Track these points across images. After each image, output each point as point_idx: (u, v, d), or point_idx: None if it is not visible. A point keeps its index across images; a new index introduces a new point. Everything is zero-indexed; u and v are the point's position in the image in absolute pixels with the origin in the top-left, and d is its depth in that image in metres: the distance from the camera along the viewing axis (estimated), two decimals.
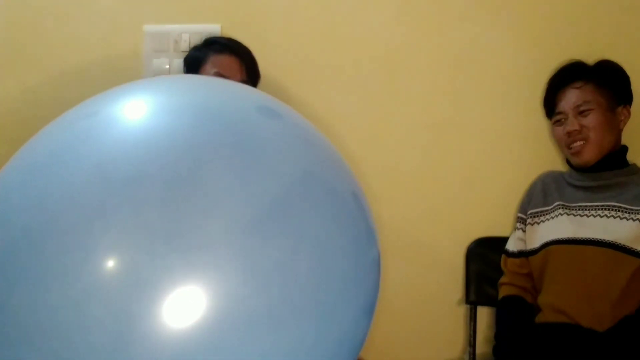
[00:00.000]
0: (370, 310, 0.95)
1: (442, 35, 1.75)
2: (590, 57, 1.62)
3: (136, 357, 0.72)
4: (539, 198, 1.61)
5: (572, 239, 1.48)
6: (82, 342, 0.72)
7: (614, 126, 1.54)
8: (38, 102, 1.91)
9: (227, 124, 0.87)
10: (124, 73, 1.85)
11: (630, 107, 1.57)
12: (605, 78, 1.55)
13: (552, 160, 1.71)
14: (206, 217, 0.76)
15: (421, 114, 1.76)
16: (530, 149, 1.72)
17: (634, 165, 1.56)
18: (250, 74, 1.62)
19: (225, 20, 1.80)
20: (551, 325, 1.46)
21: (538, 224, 1.58)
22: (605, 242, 1.43)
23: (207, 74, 1.56)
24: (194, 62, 1.61)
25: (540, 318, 1.51)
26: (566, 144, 1.56)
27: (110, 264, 0.73)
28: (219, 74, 1.55)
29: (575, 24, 1.71)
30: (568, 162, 1.62)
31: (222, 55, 1.60)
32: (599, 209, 1.49)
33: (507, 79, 1.73)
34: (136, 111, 0.88)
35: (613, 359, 1.33)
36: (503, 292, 1.60)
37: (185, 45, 1.78)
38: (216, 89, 0.99)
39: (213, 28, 1.79)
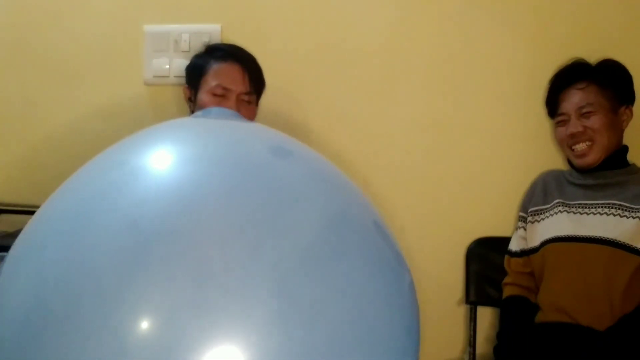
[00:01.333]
0: (413, 332, 0.94)
1: (442, 35, 1.75)
2: (592, 56, 1.62)
3: None
4: (540, 196, 1.61)
5: (572, 237, 1.48)
6: None
7: (617, 127, 1.54)
8: (38, 102, 1.91)
9: (247, 173, 0.87)
10: (124, 73, 1.86)
11: (632, 106, 1.57)
12: (608, 78, 1.54)
13: (553, 160, 1.70)
14: (238, 275, 0.75)
15: (421, 114, 1.76)
16: (531, 148, 1.72)
17: (634, 165, 1.56)
18: (254, 83, 1.56)
19: (225, 20, 1.80)
20: (551, 324, 1.46)
21: (538, 222, 1.58)
22: (606, 239, 1.43)
23: (209, 85, 1.50)
24: (196, 70, 1.56)
25: (539, 317, 1.51)
26: (569, 145, 1.56)
27: (145, 322, 0.71)
28: (220, 87, 1.50)
29: (576, 23, 1.70)
30: (569, 162, 1.61)
31: (224, 64, 1.54)
32: (599, 207, 1.49)
33: (508, 79, 1.73)
34: (162, 162, 0.88)
35: (613, 358, 1.32)
36: (507, 292, 1.60)
37: (185, 45, 1.78)
38: (228, 136, 0.99)
39: (213, 28, 1.79)
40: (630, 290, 1.38)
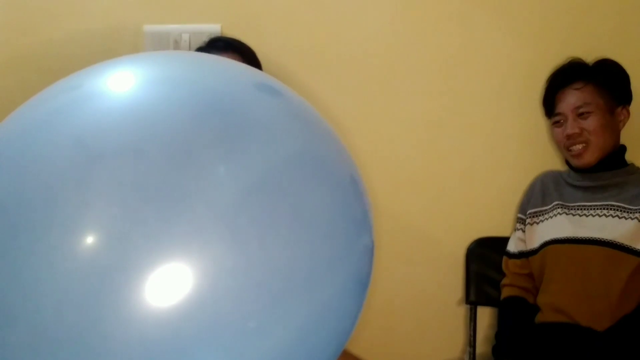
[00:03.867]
0: (358, 295, 0.92)
1: (441, 35, 1.75)
2: (589, 55, 1.62)
3: (120, 337, 0.70)
4: (538, 198, 1.61)
5: (571, 239, 1.48)
6: (59, 324, 0.70)
7: (614, 128, 1.54)
8: None
9: (220, 99, 0.83)
10: None
11: (629, 107, 1.57)
12: (605, 79, 1.54)
13: (553, 160, 1.71)
14: (190, 193, 0.73)
15: (421, 114, 1.76)
16: (530, 148, 1.72)
17: (632, 165, 1.56)
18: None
19: (225, 20, 1.80)
20: (550, 325, 1.46)
21: (537, 223, 1.58)
22: (604, 241, 1.43)
23: None
24: None
25: (539, 318, 1.51)
26: (566, 146, 1.56)
27: (90, 241, 0.70)
28: None
29: (574, 23, 1.70)
30: (567, 162, 1.61)
31: (224, 54, 1.58)
32: (597, 209, 1.49)
33: (508, 78, 1.73)
34: (123, 84, 0.84)
35: (612, 358, 1.32)
36: (505, 293, 1.60)
37: (185, 45, 1.78)
38: (214, 64, 0.95)
39: (213, 28, 1.78)
40: (629, 291, 1.39)
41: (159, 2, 1.84)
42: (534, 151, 1.72)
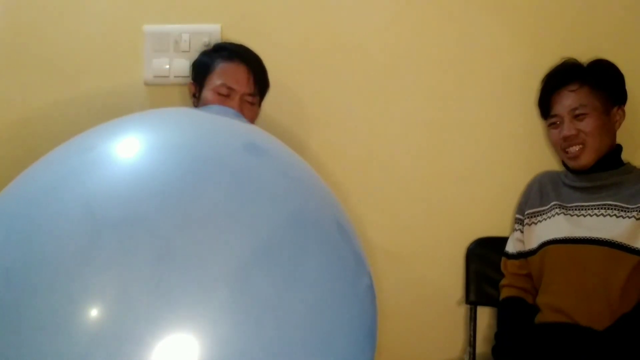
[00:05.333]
0: (370, 334, 0.94)
1: (439, 36, 1.75)
2: (586, 56, 1.62)
3: None
4: (536, 198, 1.61)
5: (569, 239, 1.48)
6: None
7: (610, 128, 1.53)
8: (38, 102, 1.91)
9: (215, 165, 0.86)
10: (124, 73, 1.86)
11: (624, 107, 1.56)
12: (600, 80, 1.54)
13: (552, 160, 1.71)
14: (194, 265, 0.74)
15: (420, 114, 1.77)
16: (530, 148, 1.73)
17: (629, 164, 1.56)
18: (258, 84, 1.57)
19: (225, 20, 1.80)
20: (550, 325, 1.46)
21: (535, 224, 1.58)
22: (603, 240, 1.43)
23: (214, 84, 1.52)
24: (202, 68, 1.57)
25: (539, 318, 1.51)
26: (562, 147, 1.56)
27: (95, 312, 0.70)
28: (225, 86, 1.51)
29: (572, 24, 1.71)
30: (564, 163, 1.61)
31: (230, 64, 1.55)
32: (595, 208, 1.49)
33: (506, 79, 1.73)
34: (130, 149, 0.87)
35: (612, 357, 1.32)
36: (504, 294, 1.60)
37: (185, 45, 1.78)
38: (208, 127, 0.98)
39: (213, 28, 1.79)
40: (628, 290, 1.39)
41: (159, 2, 1.84)
42: (534, 151, 1.72)
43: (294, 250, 0.83)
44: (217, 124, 1.03)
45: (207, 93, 1.53)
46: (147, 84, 1.84)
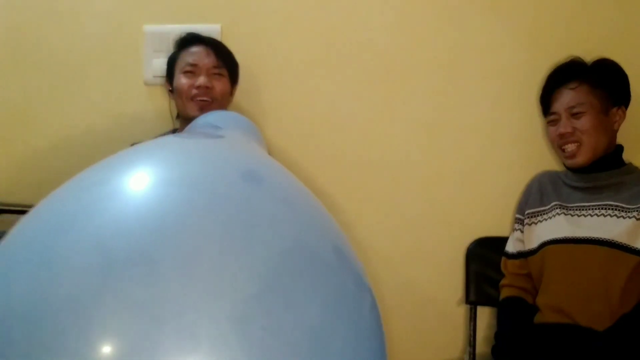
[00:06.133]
0: (380, 352, 0.94)
1: (439, 36, 1.75)
2: (588, 56, 1.61)
3: None
4: (536, 198, 1.61)
5: (570, 239, 1.48)
6: None
7: (607, 128, 1.53)
8: (38, 102, 1.91)
9: (214, 198, 0.88)
10: (124, 73, 1.86)
11: (626, 107, 1.56)
12: (601, 79, 1.53)
13: (552, 160, 1.71)
14: (194, 305, 0.76)
15: (421, 114, 1.76)
16: (530, 148, 1.73)
17: (630, 164, 1.56)
18: (221, 57, 1.65)
19: (225, 20, 1.80)
20: (550, 325, 1.46)
21: (535, 224, 1.58)
22: (603, 240, 1.43)
23: (182, 69, 1.62)
24: (169, 65, 1.69)
25: (539, 318, 1.51)
26: (559, 145, 1.57)
27: (108, 350, 0.71)
28: (189, 64, 1.62)
29: (573, 24, 1.70)
30: (564, 163, 1.61)
31: (189, 48, 1.66)
32: (595, 209, 1.49)
33: (506, 79, 1.73)
34: (139, 184, 0.90)
35: (612, 358, 1.32)
36: (504, 293, 1.60)
37: None
38: (206, 158, 1.01)
39: (213, 28, 1.79)
40: (628, 290, 1.39)
41: (159, 2, 1.84)
42: (534, 151, 1.72)
43: (293, 282, 0.84)
44: (217, 153, 1.06)
45: (177, 80, 1.63)
46: (147, 84, 1.84)
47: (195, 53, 1.64)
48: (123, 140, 1.75)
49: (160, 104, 1.81)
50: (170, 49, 1.72)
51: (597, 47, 1.65)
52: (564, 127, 1.53)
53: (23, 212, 2.06)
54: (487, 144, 1.75)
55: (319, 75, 1.79)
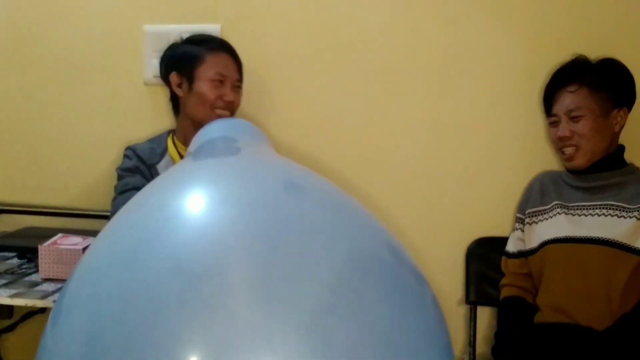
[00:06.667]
0: (447, 345, 0.96)
1: (440, 36, 1.75)
2: (593, 54, 1.59)
3: None
4: (537, 198, 1.61)
5: (570, 238, 1.48)
6: None
7: (607, 131, 1.52)
8: (38, 102, 1.91)
9: (271, 211, 0.92)
10: (124, 73, 1.86)
11: (629, 108, 1.54)
12: (603, 80, 1.52)
13: (552, 160, 1.70)
14: (267, 319, 0.78)
15: (421, 114, 1.76)
16: (530, 148, 1.72)
17: (632, 164, 1.56)
18: (241, 71, 1.68)
19: (225, 20, 1.80)
20: (550, 325, 1.46)
21: (536, 223, 1.58)
22: (604, 240, 1.43)
23: (208, 75, 1.59)
24: (190, 60, 1.62)
25: (539, 318, 1.51)
26: (558, 147, 1.57)
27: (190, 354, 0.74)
28: (220, 74, 1.60)
29: (574, 23, 1.70)
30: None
31: (219, 54, 1.63)
32: (596, 208, 1.49)
33: (507, 79, 1.73)
34: (198, 205, 0.95)
35: (612, 357, 1.32)
36: (504, 293, 1.60)
37: None
38: (247, 175, 1.06)
39: (213, 28, 1.79)
40: (629, 290, 1.39)
41: (159, 2, 1.84)
42: (535, 151, 1.72)
43: (359, 285, 0.85)
44: (256, 170, 1.11)
45: (201, 84, 1.60)
46: (147, 84, 1.84)
47: (224, 62, 1.63)
48: (123, 140, 1.75)
49: (160, 104, 1.81)
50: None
51: (599, 47, 1.63)
52: (563, 130, 1.53)
53: (23, 212, 2.07)
54: (487, 144, 1.75)
55: (319, 75, 1.79)
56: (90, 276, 0.90)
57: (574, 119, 1.52)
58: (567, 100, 1.53)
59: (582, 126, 1.50)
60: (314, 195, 1.03)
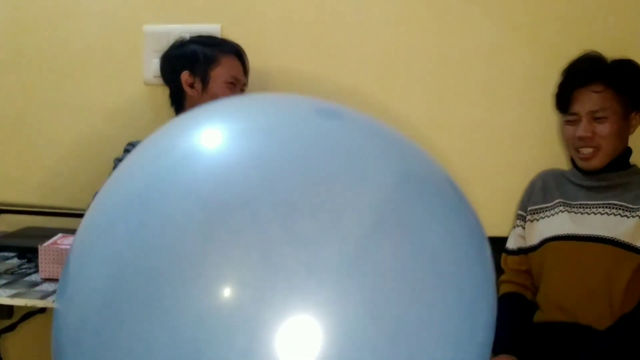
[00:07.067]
0: (493, 301, 0.92)
1: (440, 35, 1.75)
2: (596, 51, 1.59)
3: None
4: (539, 195, 1.61)
5: (573, 236, 1.48)
6: None
7: (625, 134, 1.51)
8: (38, 102, 1.91)
9: (302, 136, 0.84)
10: (124, 73, 1.86)
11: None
12: (626, 84, 1.49)
13: (553, 160, 1.70)
14: (312, 241, 0.73)
15: (421, 113, 1.76)
16: (530, 148, 1.72)
17: (635, 166, 1.56)
18: (247, 77, 1.70)
19: (225, 20, 1.80)
20: (550, 323, 1.46)
21: (537, 220, 1.58)
22: (606, 239, 1.43)
23: (223, 77, 1.61)
24: (206, 60, 1.62)
25: (539, 316, 1.51)
26: (575, 146, 1.53)
27: (220, 294, 0.71)
28: (234, 78, 1.63)
29: (573, 21, 1.69)
30: (572, 161, 1.59)
31: (234, 58, 1.65)
32: (599, 207, 1.49)
33: (507, 78, 1.73)
34: (215, 139, 0.86)
35: (612, 357, 1.32)
36: (503, 289, 1.60)
37: None
38: (277, 107, 0.96)
39: (213, 28, 1.79)
40: (630, 289, 1.39)
41: (159, 2, 1.84)
42: (536, 151, 1.72)
43: (409, 211, 0.79)
44: (281, 100, 1.01)
45: (217, 85, 1.62)
46: (147, 84, 1.84)
47: (237, 66, 1.65)
48: (123, 140, 1.75)
49: (160, 104, 1.81)
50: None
51: (600, 46, 1.63)
52: (585, 130, 1.48)
53: (23, 212, 2.06)
54: (487, 144, 1.74)
55: (319, 75, 1.79)
56: (104, 224, 0.85)
57: (597, 119, 1.48)
58: (592, 100, 1.49)
59: (605, 128, 1.47)
60: (356, 123, 0.94)
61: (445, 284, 0.79)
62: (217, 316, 0.70)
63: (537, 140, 1.72)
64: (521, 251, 1.60)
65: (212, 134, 0.87)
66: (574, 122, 1.52)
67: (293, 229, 0.73)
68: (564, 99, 1.55)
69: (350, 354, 0.71)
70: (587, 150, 1.50)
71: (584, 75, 1.53)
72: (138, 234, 0.78)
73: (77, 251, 0.88)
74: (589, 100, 1.49)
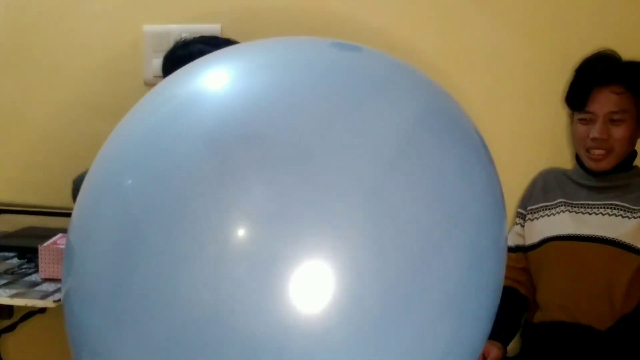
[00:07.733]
0: (503, 253, 0.90)
1: (441, 34, 1.75)
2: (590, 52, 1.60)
3: (264, 336, 0.68)
4: (540, 194, 1.60)
5: (573, 236, 1.48)
6: (205, 320, 0.68)
7: (637, 138, 1.50)
8: (38, 102, 1.91)
9: (320, 68, 0.80)
10: (124, 73, 1.86)
11: None
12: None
13: (553, 159, 1.70)
14: (328, 178, 0.70)
15: None
16: (530, 147, 1.72)
17: (637, 168, 1.55)
18: None
19: (225, 20, 1.80)
20: (550, 323, 1.46)
21: (537, 219, 1.58)
22: (607, 239, 1.43)
23: None
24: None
25: (539, 316, 1.50)
26: (586, 146, 1.50)
27: (235, 232, 0.69)
28: None
29: (572, 21, 1.69)
30: (578, 160, 1.58)
31: None
32: (601, 207, 1.48)
33: (507, 77, 1.73)
34: (224, 77, 0.83)
35: (612, 357, 1.32)
36: None
37: None
38: (288, 44, 0.93)
39: (213, 28, 1.79)
40: (631, 290, 1.39)
41: (159, 2, 1.84)
42: (536, 150, 1.71)
43: (430, 145, 0.77)
44: (293, 40, 0.98)
45: None
46: (147, 84, 1.84)
47: None
48: None
49: None
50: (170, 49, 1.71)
51: (601, 45, 1.63)
52: (600, 132, 1.45)
53: (23, 212, 2.06)
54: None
55: None
56: (113, 170, 0.83)
57: (614, 122, 1.46)
58: (611, 102, 1.45)
59: (620, 131, 1.45)
60: (375, 55, 0.90)
61: (459, 232, 0.77)
62: (233, 255, 0.69)
63: (537, 140, 1.72)
64: (519, 249, 1.60)
65: (219, 75, 0.84)
66: (588, 122, 1.49)
67: (309, 165, 0.71)
68: (581, 97, 1.50)
69: (359, 291, 0.70)
70: (599, 152, 1.47)
71: (605, 74, 1.48)
72: (148, 178, 0.76)
73: (88, 195, 0.85)
74: (608, 101, 1.46)
